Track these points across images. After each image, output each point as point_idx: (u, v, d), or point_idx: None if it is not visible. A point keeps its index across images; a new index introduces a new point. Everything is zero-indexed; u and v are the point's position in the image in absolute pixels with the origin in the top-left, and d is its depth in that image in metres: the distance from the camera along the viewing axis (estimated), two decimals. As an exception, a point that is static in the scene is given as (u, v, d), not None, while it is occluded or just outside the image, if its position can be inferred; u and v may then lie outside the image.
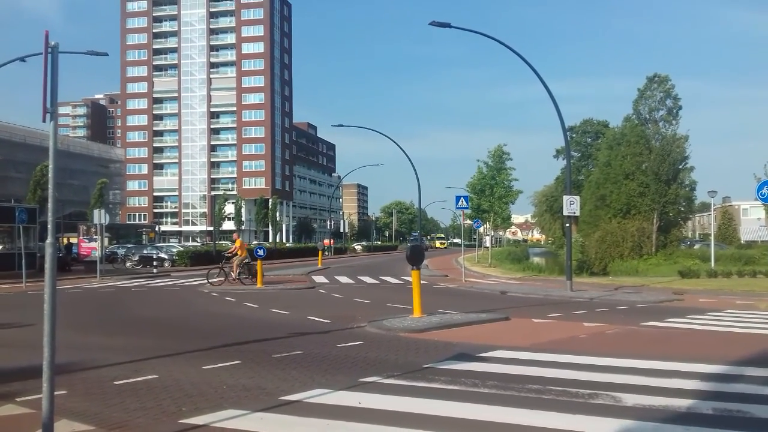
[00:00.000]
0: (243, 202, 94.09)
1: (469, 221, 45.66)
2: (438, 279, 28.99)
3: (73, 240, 45.20)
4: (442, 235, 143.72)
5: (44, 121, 4.75)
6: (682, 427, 5.75)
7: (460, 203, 25.20)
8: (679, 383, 7.54)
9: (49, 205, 4.91)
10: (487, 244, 55.14)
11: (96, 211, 29.87)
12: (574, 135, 61.02)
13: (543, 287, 23.18)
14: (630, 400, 6.70)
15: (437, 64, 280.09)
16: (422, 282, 14.27)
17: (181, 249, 45.16)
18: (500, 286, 24.50)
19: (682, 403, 6.59)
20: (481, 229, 52.32)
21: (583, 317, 14.37)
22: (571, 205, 21.12)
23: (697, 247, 48.90)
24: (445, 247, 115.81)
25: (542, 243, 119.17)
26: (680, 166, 38.47)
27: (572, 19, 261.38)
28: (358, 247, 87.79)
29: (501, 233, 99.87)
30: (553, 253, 65.21)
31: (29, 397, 6.79)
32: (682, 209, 41.01)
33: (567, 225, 22.59)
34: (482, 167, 49.66)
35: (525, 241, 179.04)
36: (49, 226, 4.89)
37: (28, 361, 8.80)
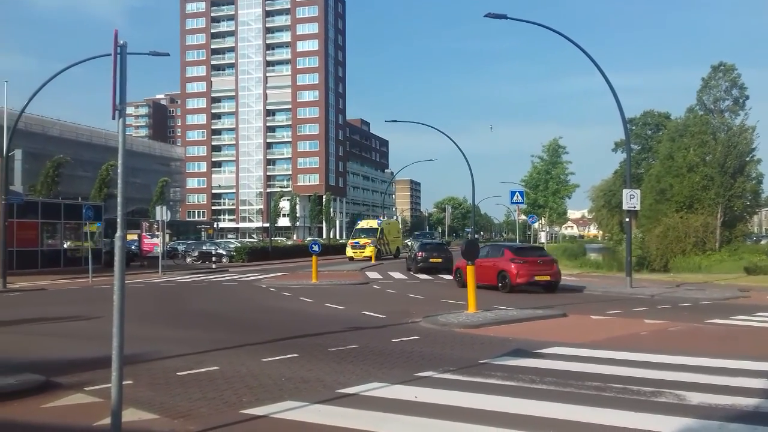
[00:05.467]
0: (297, 198, 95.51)
1: (524, 217, 45.02)
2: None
3: (132, 236, 46.70)
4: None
5: (114, 118, 4.93)
6: (749, 427, 5.56)
7: (515, 198, 24.93)
8: (745, 382, 7.28)
9: (119, 199, 5.09)
10: (543, 239, 54.27)
11: (158, 208, 30.84)
12: (633, 127, 59.31)
13: (601, 284, 22.67)
14: (694, 398, 6.51)
15: (491, 57, 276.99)
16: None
17: (239, 245, 46.13)
18: (557, 282, 24.03)
19: (749, 402, 6.36)
20: (536, 225, 51.54)
21: (644, 314, 14.01)
22: (631, 199, 20.58)
23: (763, 242, 46.88)
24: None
25: (599, 239, 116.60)
26: (747, 158, 36.93)
27: (631, 7, 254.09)
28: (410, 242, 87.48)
29: (556, 229, 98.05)
30: (611, 249, 63.55)
31: (97, 387, 7.08)
32: (748, 203, 39.39)
33: (626, 220, 22.03)
34: (537, 162, 48.96)
35: (581, 237, 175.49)
36: (118, 220, 5.08)
37: (96, 352, 9.16)
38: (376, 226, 44.32)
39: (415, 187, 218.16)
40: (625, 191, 20.86)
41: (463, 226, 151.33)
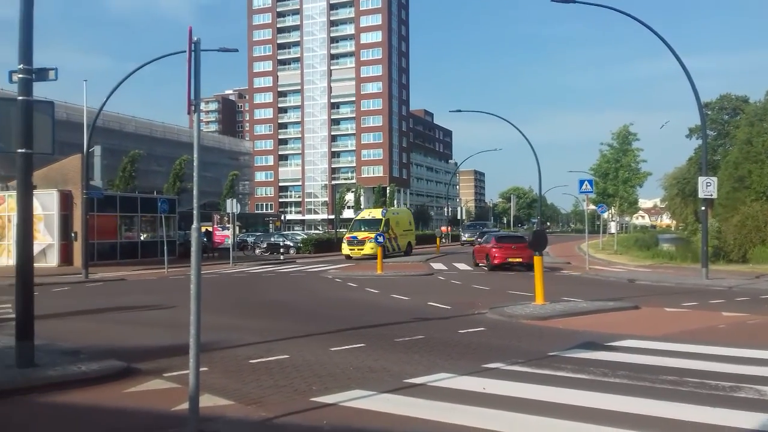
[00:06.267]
0: (362, 190, 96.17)
1: (593, 206, 43.89)
2: (560, 266, 28.19)
3: (205, 228, 48.23)
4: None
5: (189, 113, 5.11)
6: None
7: (583, 187, 24.28)
8: (836, 379, 6.89)
9: (194, 192, 5.27)
10: (613, 230, 52.79)
11: (228, 201, 31.71)
12: (709, 112, 56.77)
13: (675, 275, 21.90)
14: (778, 395, 6.22)
15: (558, 43, 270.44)
16: (544, 269, 13.93)
17: (305, 237, 46.90)
18: (627, 273, 23.45)
19: (840, 401, 6.02)
20: (606, 215, 50.15)
21: (722, 306, 13.45)
22: (708, 187, 19.75)
23: None
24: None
25: (672, 229, 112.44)
26: (835, 143, 34.74)
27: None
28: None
29: (627, 219, 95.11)
30: (684, 240, 61.31)
31: (174, 373, 7.37)
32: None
33: (702, 209, 21.16)
34: (606, 150, 47.55)
35: (653, 227, 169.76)
36: (194, 212, 5.26)
37: (172, 340, 9.53)
38: (380, 216, 36.13)
39: (479, 178, 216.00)
40: (700, 179, 20.03)
41: (529, 216, 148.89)
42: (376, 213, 37.25)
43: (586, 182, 24.58)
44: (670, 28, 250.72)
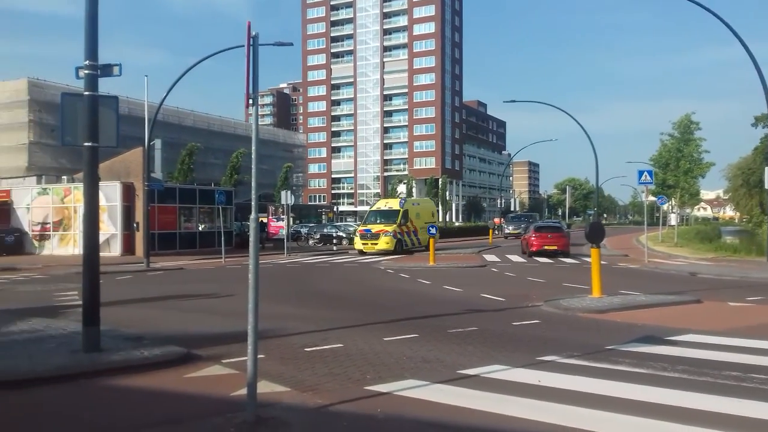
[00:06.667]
0: (414, 182, 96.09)
1: (652, 198, 42.64)
2: (617, 259, 27.56)
3: (261, 219, 49.22)
4: None
5: (247, 106, 5.21)
6: None
7: (643, 178, 23.63)
8: None
9: (253, 183, 5.39)
10: (673, 222, 51.21)
11: (283, 193, 32.18)
12: (777, 99, 54.30)
13: (739, 268, 21.11)
14: None
15: (615, 31, 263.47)
16: (601, 261, 13.65)
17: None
18: (688, 266, 22.74)
19: None
20: (666, 206, 48.69)
21: (790, 302, 12.91)
22: (775, 178, 18.94)
23: None
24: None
25: (736, 221, 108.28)
26: None
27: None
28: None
29: (688, 210, 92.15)
30: (749, 232, 59.04)
31: (233, 360, 7.56)
32: None
33: (769, 200, 20.32)
34: (666, 139, 46.10)
35: (716, 219, 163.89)
36: (252, 203, 5.37)
37: (230, 327, 9.77)
38: (397, 207, 32.52)
39: (533, 169, 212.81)
40: (767, 169, 19.22)
41: (585, 207, 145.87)
42: (394, 204, 33.45)
43: (645, 173, 23.93)
44: (736, 13, 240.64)
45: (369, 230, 31.09)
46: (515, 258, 27.72)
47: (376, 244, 30.39)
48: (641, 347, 8.28)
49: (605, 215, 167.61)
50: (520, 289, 15.78)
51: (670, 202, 49.14)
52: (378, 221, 31.86)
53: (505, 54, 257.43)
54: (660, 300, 12.96)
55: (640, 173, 23.93)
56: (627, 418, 5.33)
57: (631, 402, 5.76)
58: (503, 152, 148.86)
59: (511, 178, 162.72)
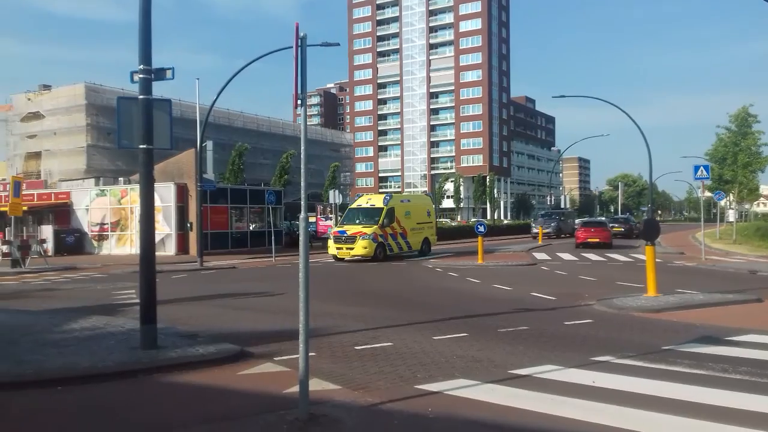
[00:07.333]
0: (461, 179, 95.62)
1: (708, 193, 41.32)
2: (673, 256, 26.81)
3: (311, 219, 49.68)
4: None
5: (296, 107, 5.27)
6: None
7: (699, 173, 22.94)
8: None
9: (302, 183, 5.45)
10: (731, 218, 49.48)
11: (331, 192, 32.51)
12: (843, 90, 51.80)
13: (804, 267, 20.26)
14: None
15: (667, 22, 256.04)
16: (656, 259, 13.29)
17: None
18: (748, 264, 21.98)
19: None
20: (723, 202, 47.07)
21: None
22: (842, 172, 18.09)
23: None
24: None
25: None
26: None
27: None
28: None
29: (747, 206, 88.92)
30: (815, 229, 56.54)
31: (284, 357, 7.66)
32: None
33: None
34: (723, 133, 44.54)
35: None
36: (302, 203, 5.44)
37: (281, 326, 9.91)
38: (380, 205, 26.52)
39: (584, 165, 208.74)
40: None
41: (638, 204, 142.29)
42: (377, 200, 27.16)
43: (701, 168, 23.23)
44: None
45: (344, 232, 25.53)
46: (566, 256, 27.26)
47: (352, 248, 25.07)
48: (700, 348, 8.03)
49: (659, 212, 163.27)
50: (572, 287, 15.51)
51: (727, 198, 47.48)
52: (357, 221, 26.17)
53: (553, 48, 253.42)
54: (718, 299, 12.55)
55: (696, 168, 23.24)
56: (685, 420, 5.18)
57: (689, 404, 5.60)
58: (552, 148, 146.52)
59: (560, 174, 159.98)
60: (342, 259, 25.55)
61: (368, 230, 25.24)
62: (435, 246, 30.17)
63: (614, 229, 48.13)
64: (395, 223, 26.51)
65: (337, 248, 25.54)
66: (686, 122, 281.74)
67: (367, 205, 27.07)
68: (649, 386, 6.20)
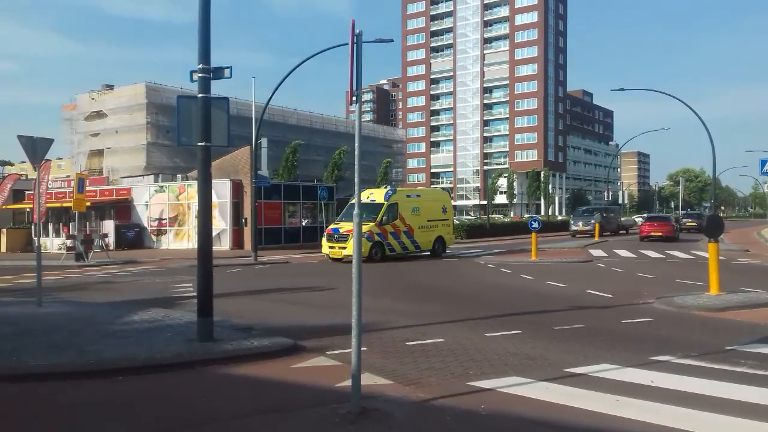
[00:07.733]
0: (515, 175, 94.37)
1: (776, 189, 39.61)
2: (737, 254, 25.82)
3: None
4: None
5: (351, 104, 5.31)
6: None
7: (766, 168, 22.04)
8: None
9: (356, 179, 5.48)
10: (800, 214, 47.29)
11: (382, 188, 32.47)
12: None
13: None
14: None
15: (729, 11, 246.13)
16: (719, 257, 12.83)
17: (457, 222, 46.90)
18: (820, 263, 20.96)
19: None
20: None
21: None
22: None
23: None
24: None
25: None
26: None
27: None
28: (639, 219, 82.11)
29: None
30: None
31: (336, 351, 7.73)
32: None
33: None
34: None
35: None
36: (355, 200, 5.46)
37: (333, 320, 9.99)
38: (381, 200, 24.00)
39: (643, 160, 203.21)
40: None
41: (700, 200, 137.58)
42: (378, 195, 24.53)
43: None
44: None
45: (337, 230, 23.38)
46: (624, 253, 26.59)
47: (345, 248, 22.60)
48: (765, 348, 7.72)
49: (723, 208, 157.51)
50: (629, 285, 15.12)
51: (797, 193, 45.41)
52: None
53: (611, 41, 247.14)
54: (787, 299, 12.02)
55: (763, 163, 22.36)
56: (748, 422, 5.00)
57: (752, 406, 5.39)
58: (610, 143, 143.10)
59: (618, 169, 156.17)
60: (340, 260, 23.03)
61: (363, 228, 20.66)
62: (485, 242, 29.55)
63: (687, 224, 47.14)
64: (398, 221, 24.07)
65: (330, 247, 23.41)
66: (753, 115, 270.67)
67: (367, 201, 23.95)
68: (710, 387, 6.00)
